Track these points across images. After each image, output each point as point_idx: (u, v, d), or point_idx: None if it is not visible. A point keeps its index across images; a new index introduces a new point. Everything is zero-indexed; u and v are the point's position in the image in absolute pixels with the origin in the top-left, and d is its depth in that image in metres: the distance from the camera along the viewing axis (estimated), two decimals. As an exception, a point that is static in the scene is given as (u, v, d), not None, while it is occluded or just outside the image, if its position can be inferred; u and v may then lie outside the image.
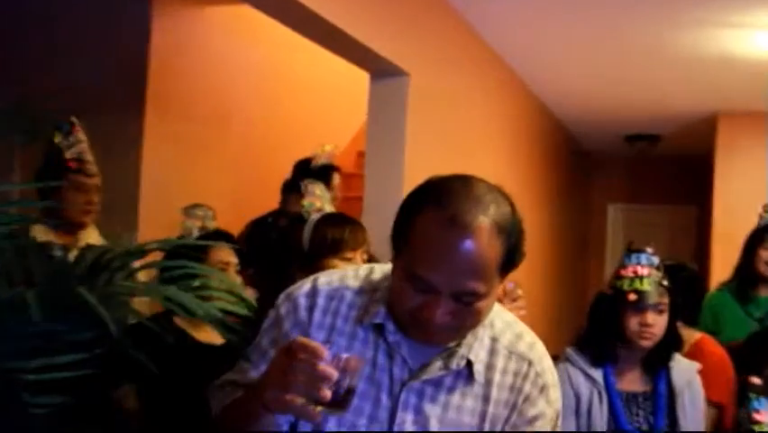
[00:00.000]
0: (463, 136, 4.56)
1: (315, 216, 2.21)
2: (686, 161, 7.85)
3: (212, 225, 2.59)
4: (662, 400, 2.43)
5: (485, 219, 1.24)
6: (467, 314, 1.27)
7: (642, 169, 8.28)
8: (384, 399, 1.33)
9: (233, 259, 2.46)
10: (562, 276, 7.31)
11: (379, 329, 1.35)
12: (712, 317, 3.05)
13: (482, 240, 1.23)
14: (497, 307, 1.39)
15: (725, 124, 6.10)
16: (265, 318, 1.43)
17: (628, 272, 2.41)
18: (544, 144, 6.57)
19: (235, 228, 3.49)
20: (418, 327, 1.29)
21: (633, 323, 2.39)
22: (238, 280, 2.47)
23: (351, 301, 1.37)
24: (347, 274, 1.42)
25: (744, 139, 6.02)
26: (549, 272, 6.80)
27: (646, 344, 2.40)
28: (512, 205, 1.30)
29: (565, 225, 7.48)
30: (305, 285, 1.41)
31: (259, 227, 3.45)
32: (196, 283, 1.50)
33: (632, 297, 2.38)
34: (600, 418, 2.39)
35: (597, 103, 6.32)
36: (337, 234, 2.09)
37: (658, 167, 8.18)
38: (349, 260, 2.07)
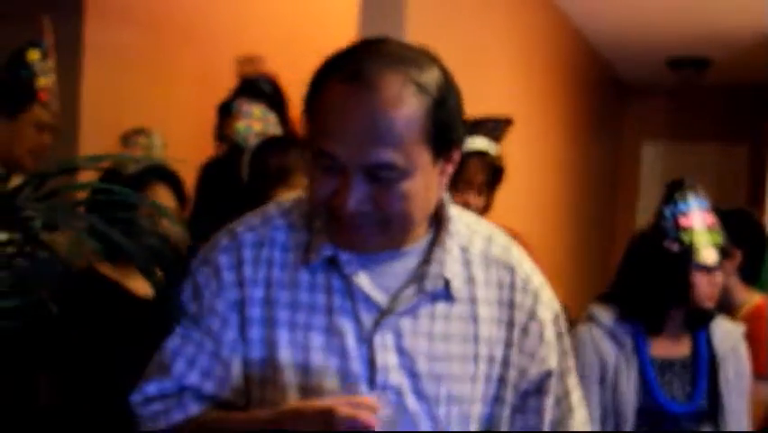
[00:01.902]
0: (473, 57, 4.49)
1: (254, 142, 2.13)
2: (740, 90, 7.80)
3: (159, 155, 2.48)
4: (704, 367, 2.44)
5: (394, 73, 1.21)
6: (389, 197, 1.24)
7: (686, 100, 8.22)
8: (353, 347, 1.30)
9: (172, 203, 2.37)
10: (584, 228, 7.32)
11: (331, 264, 1.32)
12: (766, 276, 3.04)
13: (390, 95, 1.20)
14: (453, 207, 1.39)
15: (788, 44, 6.03)
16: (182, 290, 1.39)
17: (692, 222, 2.37)
18: (568, 68, 6.51)
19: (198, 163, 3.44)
20: (338, 225, 1.27)
21: (703, 284, 2.38)
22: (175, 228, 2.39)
23: (284, 243, 1.35)
24: (269, 213, 1.39)
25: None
26: (569, 223, 6.80)
27: (711, 306, 2.42)
28: (445, 72, 1.29)
29: (590, 168, 7.47)
30: (221, 240, 1.37)
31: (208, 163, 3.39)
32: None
33: (708, 254, 2.35)
34: (628, 388, 2.39)
35: (633, 19, 6.22)
36: (281, 161, 2.01)
37: (706, 98, 8.12)
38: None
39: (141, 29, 3.69)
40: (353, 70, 1.21)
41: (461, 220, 1.40)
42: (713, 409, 2.42)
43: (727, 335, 2.49)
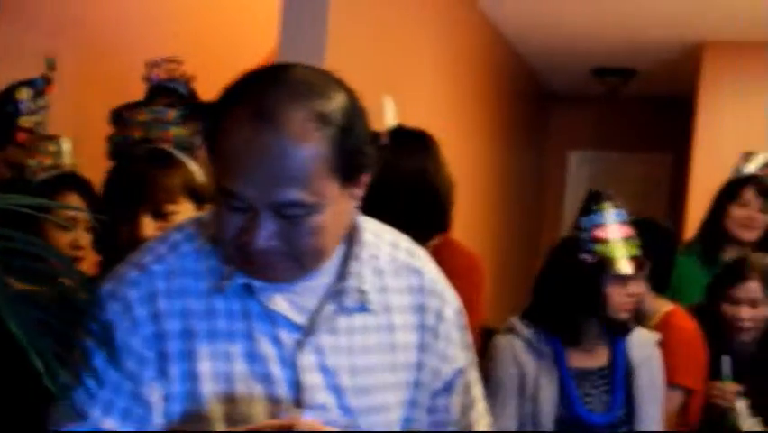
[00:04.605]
0: (396, 67, 4.51)
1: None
2: (665, 100, 7.95)
3: (68, 162, 2.43)
4: (621, 377, 2.49)
5: (297, 108, 1.19)
6: (300, 234, 1.23)
7: (611, 109, 8.36)
8: (277, 372, 1.29)
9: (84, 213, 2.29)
10: (509, 237, 7.38)
11: (246, 290, 1.30)
12: (674, 284, 3.12)
13: (294, 132, 1.18)
14: (359, 217, 1.39)
15: (711, 56, 6.18)
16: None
17: (607, 234, 2.40)
18: (495, 77, 6.57)
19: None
20: (250, 261, 1.25)
21: (618, 295, 2.42)
22: (86, 239, 2.33)
23: (195, 271, 1.31)
24: (174, 239, 1.35)
25: (732, 74, 6.11)
26: (494, 232, 6.85)
27: (627, 316, 2.46)
28: (351, 96, 1.27)
29: (516, 176, 7.53)
30: (128, 273, 1.32)
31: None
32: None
33: (621, 266, 2.38)
34: (548, 399, 2.42)
35: (560, 29, 6.32)
36: (147, 173, 1.88)
37: (631, 107, 8.28)
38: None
39: (47, 33, 3.64)
40: (256, 106, 1.19)
41: (368, 228, 1.41)
42: (629, 418, 2.47)
43: (642, 344, 2.53)
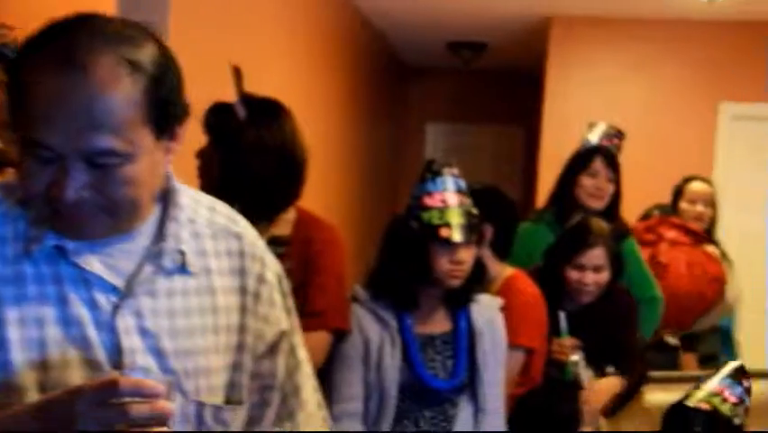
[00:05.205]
0: (246, 38, 4.45)
1: None
2: (515, 74, 8.14)
3: None
4: (464, 342, 2.52)
5: (106, 53, 1.17)
6: (113, 185, 1.21)
7: (467, 83, 8.51)
8: (94, 336, 1.25)
9: None
10: (368, 210, 7.43)
11: (57, 253, 1.26)
12: (525, 250, 3.21)
13: (103, 77, 1.16)
14: (175, 180, 1.38)
15: (557, 30, 6.35)
16: None
17: (436, 202, 2.43)
18: (350, 50, 6.58)
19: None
20: (60, 216, 1.22)
21: (443, 262, 2.43)
22: None
23: (1, 236, 1.26)
24: None
25: (578, 47, 6.30)
26: (350, 204, 6.88)
27: (456, 283, 2.47)
28: (162, 47, 1.25)
29: (375, 149, 7.58)
30: None
31: None
32: None
33: (445, 233, 2.40)
34: (392, 366, 2.44)
35: (415, 3, 6.37)
36: None
37: (484, 81, 8.45)
38: None
39: None
40: (63, 52, 1.16)
41: (185, 193, 1.40)
42: (473, 381, 2.52)
43: (485, 309, 2.58)
